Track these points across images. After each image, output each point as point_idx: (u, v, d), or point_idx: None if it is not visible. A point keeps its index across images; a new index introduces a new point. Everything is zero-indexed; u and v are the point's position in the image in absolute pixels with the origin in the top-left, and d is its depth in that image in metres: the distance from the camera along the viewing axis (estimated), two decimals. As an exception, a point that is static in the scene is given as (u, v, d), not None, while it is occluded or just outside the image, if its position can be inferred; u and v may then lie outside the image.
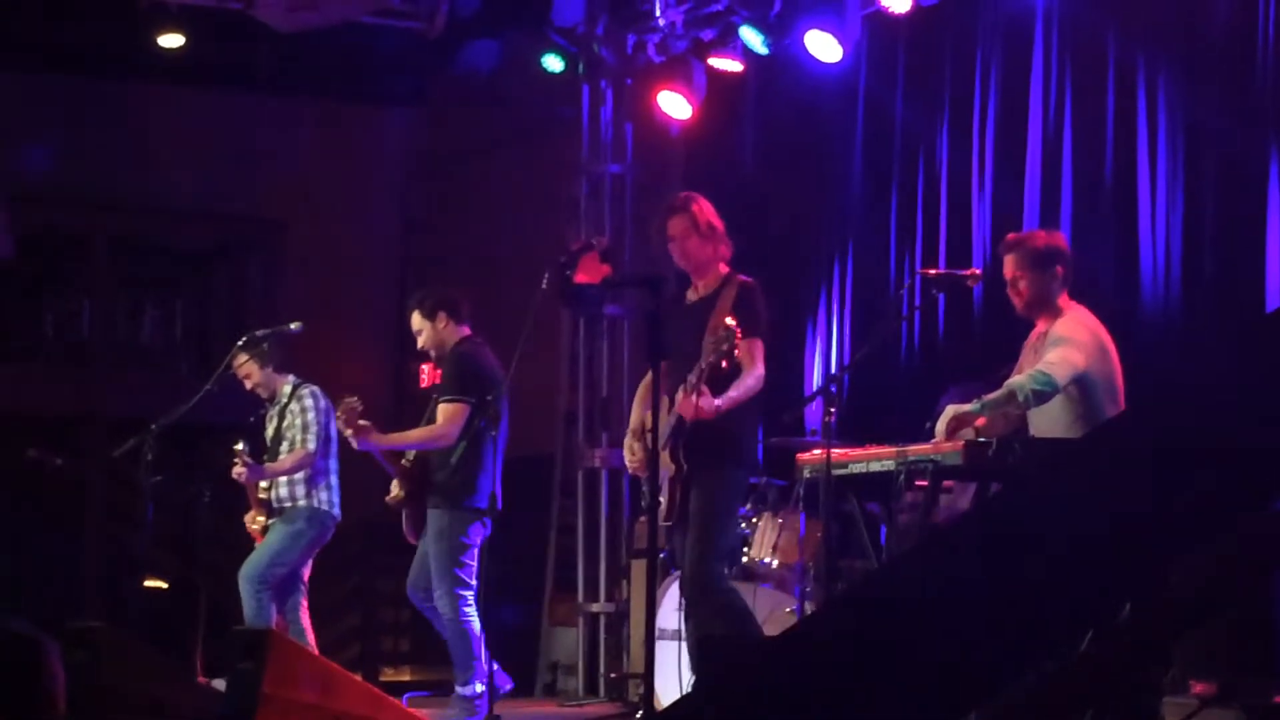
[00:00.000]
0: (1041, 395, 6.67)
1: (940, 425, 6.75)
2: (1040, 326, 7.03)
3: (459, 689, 8.37)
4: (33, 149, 12.02)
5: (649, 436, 7.63)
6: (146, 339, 13.55)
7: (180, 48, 10.67)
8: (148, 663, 7.16)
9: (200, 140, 13.37)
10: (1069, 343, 6.79)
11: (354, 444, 8.32)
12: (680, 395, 7.15)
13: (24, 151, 11.73)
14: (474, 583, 8.23)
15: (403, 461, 8.40)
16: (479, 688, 8.12)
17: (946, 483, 7.01)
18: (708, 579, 7.26)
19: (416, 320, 8.59)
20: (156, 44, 10.62)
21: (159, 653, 7.47)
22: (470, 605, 8.19)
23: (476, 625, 8.18)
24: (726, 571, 7.64)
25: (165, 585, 11.05)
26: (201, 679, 8.31)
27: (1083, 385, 6.77)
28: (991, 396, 6.74)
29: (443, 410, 8.29)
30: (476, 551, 8.29)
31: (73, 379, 12.79)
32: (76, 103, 12.81)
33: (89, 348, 13.04)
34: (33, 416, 12.61)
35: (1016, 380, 6.74)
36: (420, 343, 8.60)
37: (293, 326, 8.75)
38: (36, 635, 4.37)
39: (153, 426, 8.44)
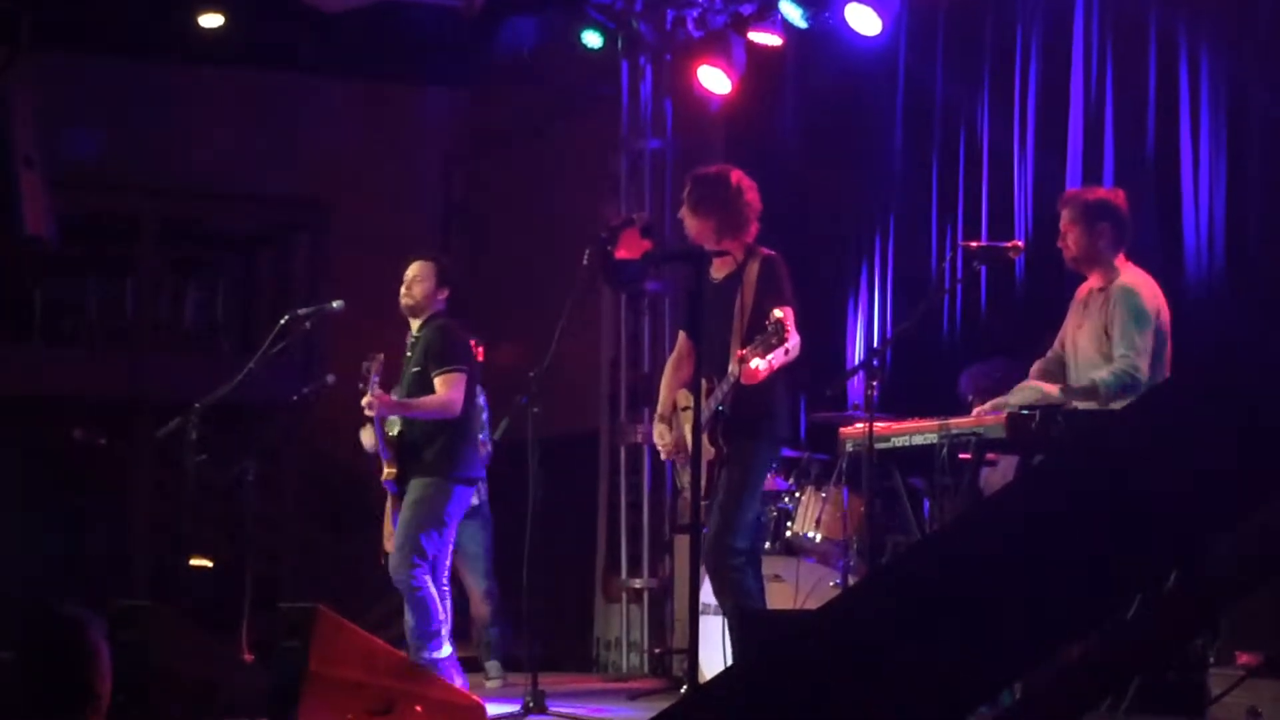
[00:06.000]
0: (1125, 393, 6.69)
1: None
2: (1092, 283, 7.02)
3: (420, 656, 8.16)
4: (75, 132, 12.06)
5: (678, 416, 7.63)
6: (190, 321, 13.61)
7: (220, 28, 10.70)
8: (194, 641, 7.22)
9: (242, 122, 13.42)
10: (1137, 320, 6.78)
11: (370, 411, 8.20)
12: (733, 366, 7.13)
13: (67, 135, 11.76)
14: (433, 555, 8.18)
15: (390, 435, 8.32)
16: (445, 650, 8.10)
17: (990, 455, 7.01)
18: (724, 552, 7.26)
19: (423, 271, 8.48)
20: (197, 24, 10.65)
21: (205, 631, 7.54)
22: (427, 574, 8.14)
23: (434, 592, 8.16)
24: (753, 546, 7.60)
25: (211, 564, 11.12)
26: (247, 656, 8.35)
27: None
28: (1077, 387, 6.75)
29: (444, 380, 8.21)
30: (450, 532, 8.29)
31: (117, 361, 12.84)
32: (117, 85, 12.85)
33: (133, 330, 13.09)
34: (77, 398, 12.67)
35: (1102, 378, 6.74)
36: (413, 294, 8.44)
37: (334, 305, 8.74)
38: (79, 614, 4.40)
39: (196, 406, 8.46)
